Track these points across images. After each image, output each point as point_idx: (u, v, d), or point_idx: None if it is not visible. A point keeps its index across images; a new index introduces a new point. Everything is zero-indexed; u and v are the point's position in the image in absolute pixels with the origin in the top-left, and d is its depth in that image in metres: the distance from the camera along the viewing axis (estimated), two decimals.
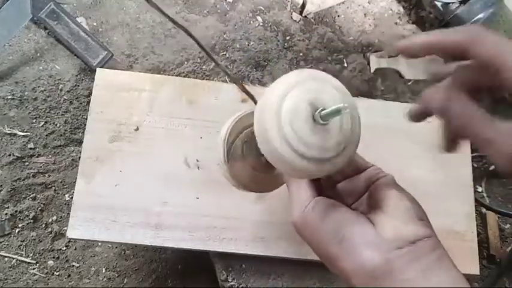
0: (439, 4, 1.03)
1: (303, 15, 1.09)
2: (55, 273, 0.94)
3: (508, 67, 0.31)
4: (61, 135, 0.99)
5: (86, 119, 0.63)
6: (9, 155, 0.96)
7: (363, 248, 0.32)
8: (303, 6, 1.09)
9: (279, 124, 0.32)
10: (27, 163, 0.97)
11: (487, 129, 0.31)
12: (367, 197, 0.38)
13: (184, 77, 1.00)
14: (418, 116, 0.40)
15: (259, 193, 0.46)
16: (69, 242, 0.95)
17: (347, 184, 0.40)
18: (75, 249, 0.95)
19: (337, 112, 0.31)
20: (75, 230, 0.59)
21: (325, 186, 0.39)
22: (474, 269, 0.61)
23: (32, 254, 0.94)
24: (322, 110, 0.32)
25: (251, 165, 0.44)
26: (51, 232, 0.95)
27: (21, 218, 0.95)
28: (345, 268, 0.32)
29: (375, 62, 1.07)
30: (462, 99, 0.34)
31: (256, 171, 0.45)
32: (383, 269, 0.31)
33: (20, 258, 0.93)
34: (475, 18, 0.99)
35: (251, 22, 1.08)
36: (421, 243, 0.32)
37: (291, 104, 0.32)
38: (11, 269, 0.93)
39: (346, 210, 0.35)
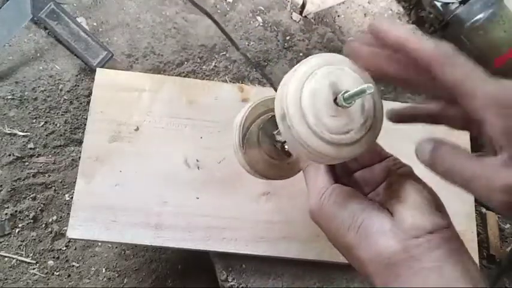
0: (438, 4, 1.03)
1: (303, 15, 1.09)
2: (55, 273, 0.94)
3: (475, 94, 0.28)
4: (61, 135, 0.99)
5: (86, 119, 0.63)
6: (9, 155, 0.96)
7: (380, 236, 0.31)
8: (303, 6, 1.09)
9: (301, 109, 0.32)
10: (27, 163, 0.97)
11: (473, 165, 0.29)
12: (384, 187, 0.37)
13: (184, 77, 1.00)
14: (400, 119, 0.39)
15: (273, 180, 0.47)
16: (69, 242, 0.95)
17: (364, 173, 0.39)
18: (75, 249, 0.95)
19: (361, 93, 0.30)
20: (75, 230, 0.59)
21: (342, 175, 0.39)
22: None
23: (32, 254, 0.94)
24: (346, 92, 0.32)
25: (266, 152, 0.45)
26: (51, 232, 0.95)
27: (21, 218, 0.95)
28: (361, 256, 0.32)
29: None
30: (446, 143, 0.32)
31: (272, 158, 0.45)
32: (399, 257, 0.30)
33: (20, 258, 0.93)
34: (475, 18, 0.99)
35: (251, 22, 1.08)
36: (439, 233, 0.31)
37: (312, 88, 0.32)
38: (11, 269, 0.93)
39: (363, 198, 0.35)
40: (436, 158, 0.31)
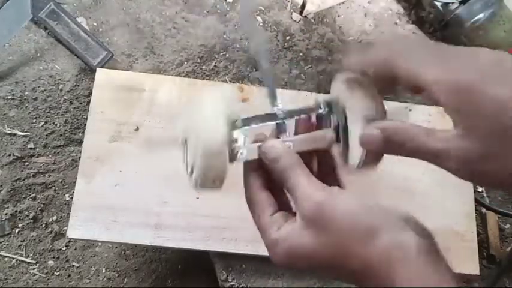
0: (439, 4, 1.03)
1: (303, 15, 1.09)
2: (55, 273, 0.94)
3: (426, 84, 0.30)
4: (61, 135, 0.99)
5: (86, 119, 0.63)
6: (9, 155, 0.96)
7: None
8: (303, 6, 1.09)
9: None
10: (27, 163, 0.97)
11: (432, 141, 0.30)
12: None
13: (184, 77, 1.00)
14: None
15: None
16: (69, 242, 0.95)
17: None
18: (75, 249, 0.95)
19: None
20: (75, 230, 0.59)
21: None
22: (474, 269, 0.61)
23: (32, 254, 0.94)
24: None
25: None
26: (51, 232, 0.95)
27: (21, 218, 0.95)
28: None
29: None
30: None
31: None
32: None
33: (20, 258, 0.93)
34: (475, 18, 0.99)
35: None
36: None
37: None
38: (11, 269, 0.93)
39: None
40: (392, 139, 0.33)
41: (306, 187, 0.34)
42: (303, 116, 0.39)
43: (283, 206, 0.37)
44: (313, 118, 0.39)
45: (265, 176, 0.37)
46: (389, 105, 0.70)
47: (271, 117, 0.39)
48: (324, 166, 0.40)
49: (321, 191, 0.33)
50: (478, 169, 0.29)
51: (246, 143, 0.37)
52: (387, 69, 0.33)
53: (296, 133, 0.39)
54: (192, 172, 0.36)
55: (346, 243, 0.31)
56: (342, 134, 0.38)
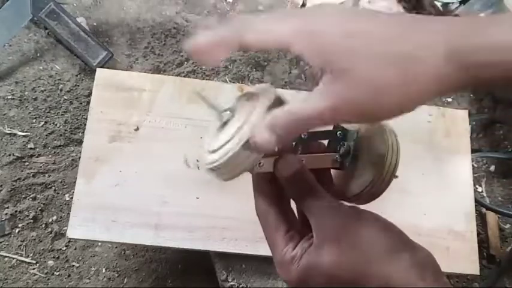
0: (439, 4, 1.03)
1: None
2: (55, 273, 0.94)
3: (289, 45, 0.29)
4: (61, 135, 0.99)
5: (86, 119, 0.63)
6: (9, 155, 0.96)
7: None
8: (303, 6, 1.09)
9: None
10: (27, 163, 0.97)
11: (304, 104, 0.29)
12: None
13: (184, 77, 1.00)
14: None
15: None
16: (69, 242, 0.95)
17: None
18: (75, 249, 0.95)
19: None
20: (75, 230, 0.59)
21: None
22: (474, 269, 0.61)
23: (32, 254, 0.94)
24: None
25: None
26: (51, 232, 0.95)
27: (21, 218, 0.95)
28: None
29: None
30: None
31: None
32: None
33: (20, 258, 0.93)
34: None
35: None
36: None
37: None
38: (11, 269, 0.93)
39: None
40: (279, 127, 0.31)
41: (325, 205, 0.34)
42: (322, 140, 0.40)
43: (293, 222, 0.37)
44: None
45: (276, 189, 0.37)
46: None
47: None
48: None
49: (343, 209, 0.33)
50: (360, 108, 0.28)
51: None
52: (236, 39, 0.31)
53: (307, 151, 0.40)
54: (214, 151, 0.36)
55: (367, 262, 0.31)
56: (349, 161, 0.39)
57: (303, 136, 0.39)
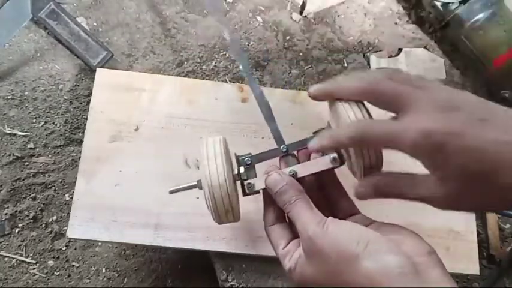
0: (438, 4, 1.03)
1: (303, 15, 1.09)
2: (55, 273, 0.94)
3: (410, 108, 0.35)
4: (61, 135, 0.99)
5: (86, 119, 0.63)
6: (9, 155, 0.96)
7: (389, 251, 0.34)
8: (303, 6, 1.09)
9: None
10: (27, 163, 0.97)
11: (416, 189, 0.36)
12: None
13: (184, 77, 1.00)
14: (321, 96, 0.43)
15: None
16: (69, 242, 0.95)
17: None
18: (75, 249, 0.95)
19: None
20: (75, 230, 0.59)
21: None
22: (474, 269, 0.61)
23: (32, 254, 0.94)
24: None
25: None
26: (51, 232, 0.95)
27: (21, 218, 0.95)
28: (369, 268, 0.33)
29: (375, 62, 1.07)
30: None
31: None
32: (407, 270, 0.32)
33: (20, 258, 0.93)
34: (475, 18, 0.99)
35: (251, 22, 1.08)
36: (435, 254, 0.35)
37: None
38: (11, 269, 0.93)
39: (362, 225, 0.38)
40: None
41: (303, 220, 0.38)
42: (303, 148, 0.44)
43: (295, 233, 0.41)
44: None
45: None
46: None
47: (275, 152, 0.45)
48: (331, 193, 0.44)
49: (314, 224, 0.37)
50: (454, 206, 0.35)
51: (253, 176, 0.44)
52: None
53: (298, 162, 0.45)
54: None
55: (336, 271, 0.34)
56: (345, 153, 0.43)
57: (283, 150, 0.45)
